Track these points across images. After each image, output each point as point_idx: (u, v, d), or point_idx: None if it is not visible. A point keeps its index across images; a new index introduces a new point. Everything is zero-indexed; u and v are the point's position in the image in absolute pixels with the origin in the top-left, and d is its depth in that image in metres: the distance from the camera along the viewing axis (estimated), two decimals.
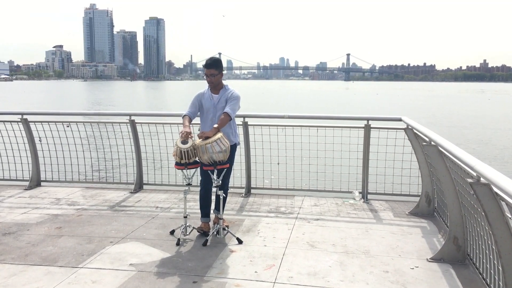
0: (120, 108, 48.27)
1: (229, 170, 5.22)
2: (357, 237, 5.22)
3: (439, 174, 4.56)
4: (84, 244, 4.95)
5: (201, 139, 4.84)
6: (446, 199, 4.57)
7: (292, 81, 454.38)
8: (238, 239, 5.01)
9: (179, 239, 4.98)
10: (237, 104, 5.17)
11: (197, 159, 4.99)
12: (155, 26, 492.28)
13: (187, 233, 5.16)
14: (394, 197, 6.85)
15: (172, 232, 5.27)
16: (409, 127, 6.04)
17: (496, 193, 2.83)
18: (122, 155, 7.49)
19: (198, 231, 5.22)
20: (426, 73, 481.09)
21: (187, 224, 5.15)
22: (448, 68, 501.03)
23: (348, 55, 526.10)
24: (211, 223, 5.39)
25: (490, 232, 2.95)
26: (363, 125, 6.64)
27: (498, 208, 2.85)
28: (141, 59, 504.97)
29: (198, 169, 5.15)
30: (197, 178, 5.35)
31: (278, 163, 7.05)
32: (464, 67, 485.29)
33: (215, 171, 4.93)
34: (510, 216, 2.84)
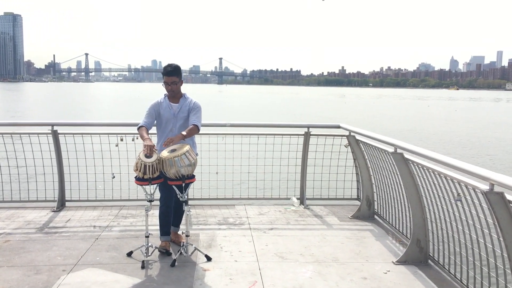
0: None
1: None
2: (319, 245, 5.27)
3: (403, 180, 4.80)
4: (32, 275, 4.27)
5: (167, 152, 4.50)
6: (410, 203, 4.82)
7: None
8: (206, 256, 4.73)
9: (143, 261, 4.55)
10: (201, 115, 4.91)
11: (158, 173, 4.62)
12: (11, 22, 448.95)
13: (149, 254, 4.73)
14: (330, 202, 7.07)
15: (129, 254, 4.80)
16: (352, 133, 6.30)
17: (509, 200, 3.05)
18: (39, 170, 6.63)
19: (159, 251, 4.83)
20: (293, 78, 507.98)
21: (149, 244, 4.73)
22: (312, 74, 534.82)
23: (220, 59, 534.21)
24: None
25: (501, 237, 3.17)
26: (303, 132, 6.76)
27: (509, 215, 3.07)
28: None
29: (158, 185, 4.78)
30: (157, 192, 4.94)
31: (217, 172, 6.84)
32: (325, 73, 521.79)
33: (178, 187, 4.61)
34: None
